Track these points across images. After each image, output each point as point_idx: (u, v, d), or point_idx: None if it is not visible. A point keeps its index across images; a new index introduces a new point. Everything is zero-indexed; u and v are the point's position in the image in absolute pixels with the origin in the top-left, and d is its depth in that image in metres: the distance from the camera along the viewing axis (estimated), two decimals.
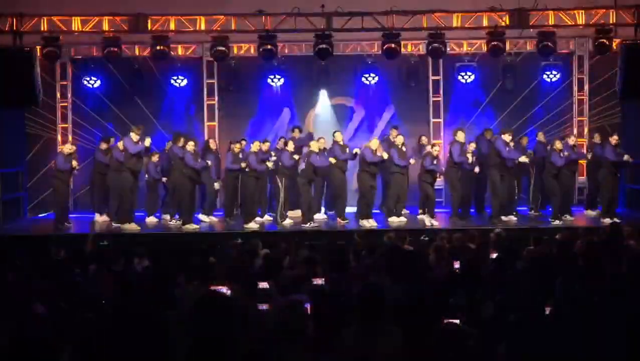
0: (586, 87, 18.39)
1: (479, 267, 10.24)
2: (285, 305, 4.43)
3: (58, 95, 18.12)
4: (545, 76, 18.02)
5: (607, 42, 14.65)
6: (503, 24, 14.72)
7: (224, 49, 15.13)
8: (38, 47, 15.03)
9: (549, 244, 12.16)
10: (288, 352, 4.44)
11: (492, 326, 7.43)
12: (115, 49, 15.19)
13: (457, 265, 10.32)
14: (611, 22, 14.72)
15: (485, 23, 14.92)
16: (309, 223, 14.98)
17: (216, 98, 18.43)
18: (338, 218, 15.51)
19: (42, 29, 14.70)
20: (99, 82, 17.88)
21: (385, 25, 14.73)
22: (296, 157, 15.50)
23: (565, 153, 15.44)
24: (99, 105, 18.17)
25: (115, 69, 17.69)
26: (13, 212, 17.03)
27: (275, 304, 4.58)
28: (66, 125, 18.26)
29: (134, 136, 14.86)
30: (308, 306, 4.78)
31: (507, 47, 17.49)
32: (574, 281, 9.13)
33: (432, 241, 12.52)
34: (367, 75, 17.91)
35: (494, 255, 10.90)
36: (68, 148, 15.58)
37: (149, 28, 14.81)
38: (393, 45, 14.81)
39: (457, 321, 7.09)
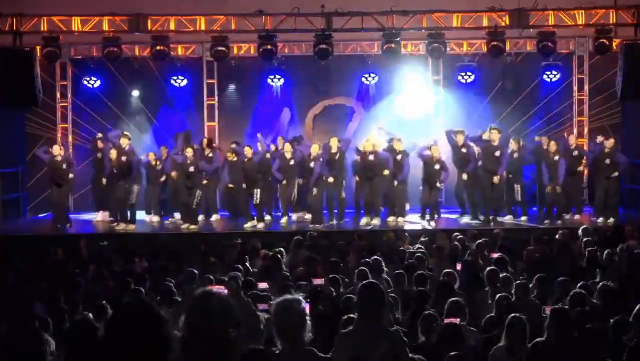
0: (586, 87, 18.36)
1: (479, 268, 10.28)
2: (283, 305, 4.41)
3: (58, 95, 18.11)
4: (545, 76, 17.96)
5: (607, 42, 14.58)
6: (503, 24, 14.66)
7: (224, 49, 15.07)
8: (38, 47, 15.00)
9: (549, 244, 12.19)
10: (286, 351, 4.43)
11: (492, 326, 7.46)
12: (116, 49, 15.13)
13: (459, 266, 10.37)
14: (611, 22, 14.64)
15: (485, 23, 14.84)
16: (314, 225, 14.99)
17: (216, 98, 18.43)
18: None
19: (42, 29, 14.65)
20: (99, 82, 17.86)
21: (385, 25, 14.69)
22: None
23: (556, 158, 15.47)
24: (99, 105, 18.15)
25: (115, 69, 17.69)
26: (13, 211, 17.04)
27: (273, 304, 4.54)
28: (66, 125, 18.26)
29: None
30: (307, 306, 4.76)
31: (507, 47, 17.50)
32: (574, 280, 9.17)
33: (432, 242, 12.53)
34: (367, 75, 17.87)
35: (495, 255, 10.94)
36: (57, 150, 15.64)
37: (149, 28, 14.75)
38: (393, 45, 14.76)
39: (457, 320, 7.13)
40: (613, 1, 14.91)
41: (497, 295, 8.24)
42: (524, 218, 15.75)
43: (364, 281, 5.18)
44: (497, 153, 14.99)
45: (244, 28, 14.93)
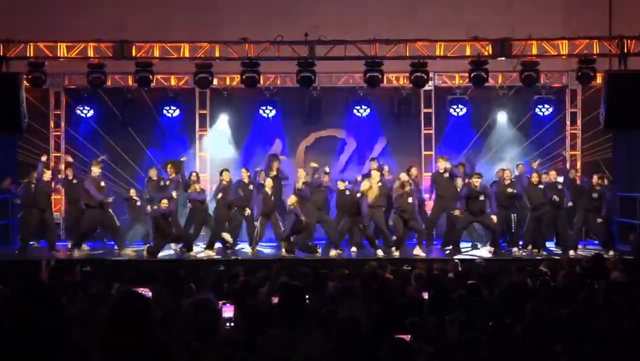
0: (579, 121, 18.30)
1: (451, 294, 10.15)
2: (196, 303, 4.38)
3: (52, 123, 18.27)
4: (537, 110, 17.93)
5: (590, 73, 14.48)
6: (486, 53, 14.61)
7: (206, 75, 15.01)
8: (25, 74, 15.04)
9: (529, 274, 12.05)
10: (202, 351, 4.40)
11: (456, 346, 7.36)
12: (100, 75, 15.10)
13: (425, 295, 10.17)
14: (595, 52, 14.53)
15: (468, 52, 14.76)
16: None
17: (208, 129, 18.51)
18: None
19: (28, 54, 14.71)
20: (92, 111, 17.98)
21: (367, 54, 14.68)
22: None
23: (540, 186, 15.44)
24: (92, 134, 18.28)
25: (108, 99, 17.83)
26: (1, 238, 17.04)
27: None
28: (59, 154, 18.36)
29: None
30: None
31: (500, 80, 17.50)
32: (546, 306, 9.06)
33: (412, 270, 12.44)
34: (358, 107, 17.89)
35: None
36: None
37: (134, 54, 14.77)
38: (375, 74, 14.74)
39: (408, 337, 7.03)
40: (597, 32, 14.84)
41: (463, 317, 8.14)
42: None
43: (283, 284, 5.14)
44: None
45: (227, 55, 14.90)
